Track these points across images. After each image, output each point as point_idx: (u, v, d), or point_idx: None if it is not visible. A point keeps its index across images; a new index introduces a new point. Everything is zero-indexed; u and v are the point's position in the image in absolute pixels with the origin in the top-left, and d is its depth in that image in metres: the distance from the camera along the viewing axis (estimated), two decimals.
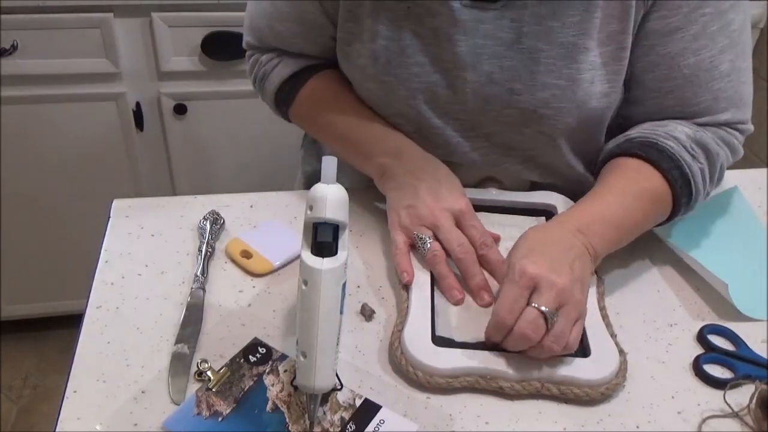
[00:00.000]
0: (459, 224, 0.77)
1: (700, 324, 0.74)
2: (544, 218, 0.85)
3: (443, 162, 0.87)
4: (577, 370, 0.65)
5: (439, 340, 0.68)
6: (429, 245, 0.75)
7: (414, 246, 0.77)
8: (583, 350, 0.68)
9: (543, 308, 0.63)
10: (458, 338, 0.69)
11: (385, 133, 0.85)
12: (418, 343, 0.67)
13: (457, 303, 0.73)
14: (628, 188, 0.77)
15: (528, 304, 0.64)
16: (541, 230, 0.73)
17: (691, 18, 0.76)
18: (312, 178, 1.04)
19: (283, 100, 0.91)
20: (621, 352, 0.68)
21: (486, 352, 0.66)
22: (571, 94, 0.78)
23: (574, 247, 0.69)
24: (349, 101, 0.87)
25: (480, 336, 0.69)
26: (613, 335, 0.70)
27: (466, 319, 0.72)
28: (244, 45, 0.94)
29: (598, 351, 0.67)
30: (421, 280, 0.74)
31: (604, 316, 0.72)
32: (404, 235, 0.77)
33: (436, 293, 0.74)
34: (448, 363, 0.65)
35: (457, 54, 0.78)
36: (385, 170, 0.82)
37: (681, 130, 0.79)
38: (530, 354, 0.65)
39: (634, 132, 0.81)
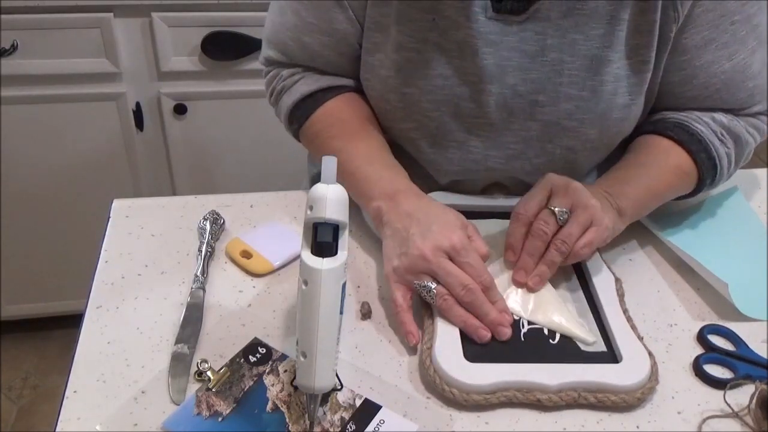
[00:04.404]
0: (453, 261, 0.70)
1: (700, 324, 0.74)
2: None
3: (457, 180, 0.86)
4: (611, 377, 0.65)
5: (471, 356, 0.66)
6: (435, 291, 0.69)
7: (419, 295, 0.72)
8: (614, 356, 0.68)
9: (555, 208, 0.71)
10: (489, 352, 0.67)
11: (384, 174, 0.80)
12: (451, 360, 0.65)
13: (485, 341, 0.68)
14: (656, 162, 0.82)
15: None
16: None
17: (722, 28, 0.79)
18: (318, 180, 1.03)
19: (297, 118, 0.88)
20: (650, 354, 0.68)
21: (521, 364, 0.65)
22: (593, 106, 0.80)
23: (599, 193, 0.76)
24: (359, 132, 0.85)
25: (509, 350, 0.68)
26: (639, 338, 0.69)
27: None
28: (261, 60, 0.92)
29: (629, 356, 0.67)
30: None
31: (628, 319, 0.72)
32: (402, 288, 0.71)
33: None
34: (484, 379, 0.64)
35: (482, 67, 0.78)
36: (381, 215, 0.76)
37: (715, 117, 0.84)
38: (545, 260, 0.72)
39: (670, 114, 0.85)
